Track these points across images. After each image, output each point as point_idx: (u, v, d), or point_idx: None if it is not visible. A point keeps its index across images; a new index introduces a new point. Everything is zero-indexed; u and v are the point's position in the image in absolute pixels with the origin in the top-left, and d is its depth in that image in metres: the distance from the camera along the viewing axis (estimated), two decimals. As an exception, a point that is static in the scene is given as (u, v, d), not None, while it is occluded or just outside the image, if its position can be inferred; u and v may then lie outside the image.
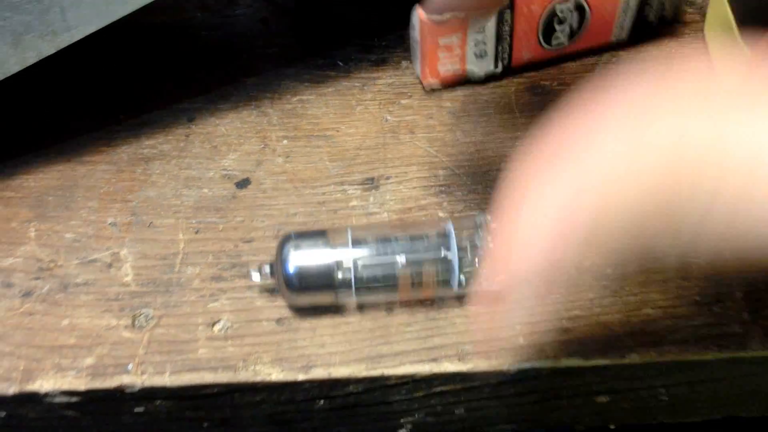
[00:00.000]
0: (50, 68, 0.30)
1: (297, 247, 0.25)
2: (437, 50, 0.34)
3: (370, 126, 0.35)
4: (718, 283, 0.28)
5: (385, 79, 0.37)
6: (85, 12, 0.28)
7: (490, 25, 0.34)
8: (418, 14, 0.33)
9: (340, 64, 0.38)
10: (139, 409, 0.25)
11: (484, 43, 0.35)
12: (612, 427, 0.30)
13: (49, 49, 0.28)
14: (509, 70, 0.37)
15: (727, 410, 0.29)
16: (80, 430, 0.26)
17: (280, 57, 0.39)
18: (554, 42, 0.37)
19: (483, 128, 0.35)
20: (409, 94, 0.37)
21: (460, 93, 0.36)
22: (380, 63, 0.38)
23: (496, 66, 0.36)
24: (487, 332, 0.26)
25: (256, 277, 0.26)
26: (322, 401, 0.26)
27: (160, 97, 0.36)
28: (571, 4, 0.35)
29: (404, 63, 0.38)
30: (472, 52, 0.35)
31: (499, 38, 0.35)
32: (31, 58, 0.28)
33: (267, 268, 0.26)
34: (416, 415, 0.27)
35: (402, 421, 0.27)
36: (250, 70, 0.38)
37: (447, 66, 0.35)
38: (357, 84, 0.37)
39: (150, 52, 0.39)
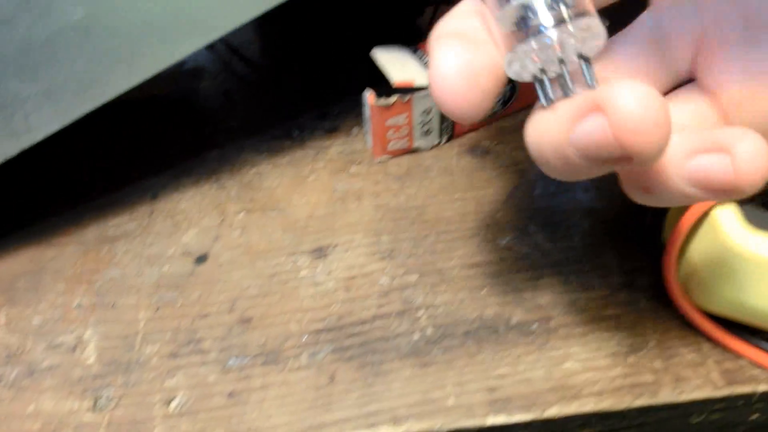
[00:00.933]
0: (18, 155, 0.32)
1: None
2: (386, 131, 0.37)
3: (321, 195, 0.37)
4: (634, 333, 0.30)
5: (337, 146, 0.40)
6: (47, 114, 0.31)
7: (435, 108, 0.37)
8: (368, 97, 0.36)
9: (296, 133, 0.41)
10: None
11: (430, 122, 0.38)
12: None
13: (12, 150, 0.31)
14: (451, 138, 0.39)
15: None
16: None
17: (240, 129, 0.41)
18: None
19: (425, 192, 0.37)
20: (358, 161, 0.39)
21: (405, 159, 0.39)
22: (333, 131, 0.41)
23: (440, 139, 0.39)
24: (421, 395, 0.28)
25: None
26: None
27: (127, 173, 0.39)
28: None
29: (355, 130, 0.41)
30: (418, 130, 0.38)
31: (443, 116, 0.38)
32: (-5, 160, 0.31)
33: None
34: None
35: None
36: (213, 144, 0.41)
37: (395, 143, 0.38)
38: (310, 153, 0.40)
39: (116, 127, 0.41)
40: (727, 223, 0.27)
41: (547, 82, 0.20)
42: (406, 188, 0.37)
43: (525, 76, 0.20)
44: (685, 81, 0.23)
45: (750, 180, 0.18)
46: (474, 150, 0.39)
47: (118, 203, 0.37)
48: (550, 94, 0.20)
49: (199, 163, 0.40)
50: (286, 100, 0.43)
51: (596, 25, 0.19)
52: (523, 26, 0.19)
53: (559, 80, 0.19)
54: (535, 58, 0.19)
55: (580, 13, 0.19)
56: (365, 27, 0.43)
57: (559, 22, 0.18)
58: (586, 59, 0.19)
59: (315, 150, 0.40)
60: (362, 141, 0.40)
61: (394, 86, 0.35)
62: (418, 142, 0.39)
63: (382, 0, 0.44)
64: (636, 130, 0.17)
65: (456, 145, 0.40)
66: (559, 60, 0.19)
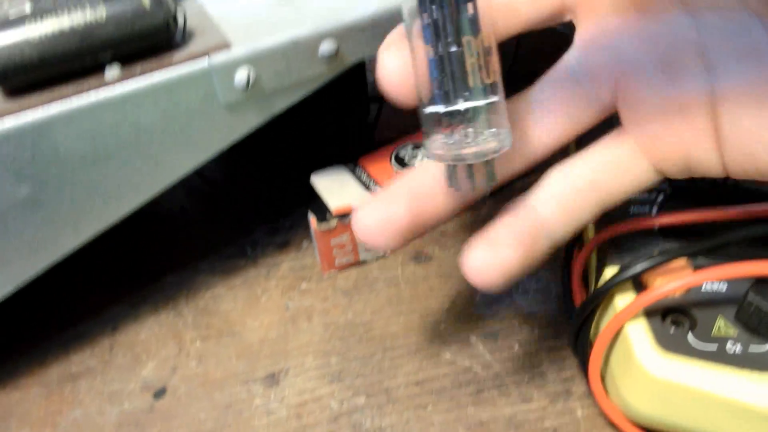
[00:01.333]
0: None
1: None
2: (331, 249, 0.39)
3: (273, 316, 0.39)
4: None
5: (288, 262, 0.42)
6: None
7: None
8: (310, 220, 0.38)
9: (249, 251, 0.43)
10: None
11: (369, 234, 0.40)
12: None
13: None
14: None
15: None
16: None
17: (195, 249, 0.43)
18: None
19: (372, 306, 0.39)
20: (308, 277, 0.41)
21: (353, 272, 0.41)
22: (284, 245, 0.43)
23: (384, 251, 0.41)
24: None
25: None
26: None
27: (87, 305, 0.40)
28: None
29: (305, 243, 0.43)
30: (362, 246, 0.40)
31: (380, 228, 0.40)
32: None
33: None
34: None
35: None
36: (169, 267, 0.42)
37: (341, 259, 0.40)
38: (263, 271, 0.42)
39: (74, 255, 0.43)
40: (637, 343, 0.28)
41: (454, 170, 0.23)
42: (354, 303, 0.39)
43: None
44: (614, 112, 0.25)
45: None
46: (418, 258, 0.41)
47: (80, 338, 0.39)
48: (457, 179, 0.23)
49: (157, 289, 0.41)
50: (240, 214, 0.45)
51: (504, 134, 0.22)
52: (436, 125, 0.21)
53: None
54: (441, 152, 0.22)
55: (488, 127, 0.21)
56: (314, 139, 0.46)
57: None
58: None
59: (267, 268, 0.42)
60: (312, 255, 0.42)
61: (332, 214, 0.37)
62: (363, 256, 0.40)
63: (330, 110, 0.46)
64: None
65: (401, 253, 0.42)
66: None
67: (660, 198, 0.35)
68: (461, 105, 0.20)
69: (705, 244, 0.29)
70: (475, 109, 0.21)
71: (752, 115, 0.21)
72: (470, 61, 0.20)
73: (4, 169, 0.28)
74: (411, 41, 0.22)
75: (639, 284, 0.30)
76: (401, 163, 0.41)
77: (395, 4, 0.32)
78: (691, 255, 0.30)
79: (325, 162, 0.41)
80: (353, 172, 0.40)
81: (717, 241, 0.29)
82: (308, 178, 0.41)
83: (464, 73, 0.20)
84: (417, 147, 0.42)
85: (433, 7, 0.20)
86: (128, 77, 0.29)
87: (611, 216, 0.34)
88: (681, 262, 0.30)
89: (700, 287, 0.30)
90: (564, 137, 0.25)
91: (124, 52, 0.28)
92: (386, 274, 0.40)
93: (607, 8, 0.23)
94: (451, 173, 0.23)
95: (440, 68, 0.21)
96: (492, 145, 0.21)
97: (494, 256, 0.25)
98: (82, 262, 0.43)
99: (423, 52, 0.21)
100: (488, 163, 0.22)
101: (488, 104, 0.21)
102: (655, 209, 0.34)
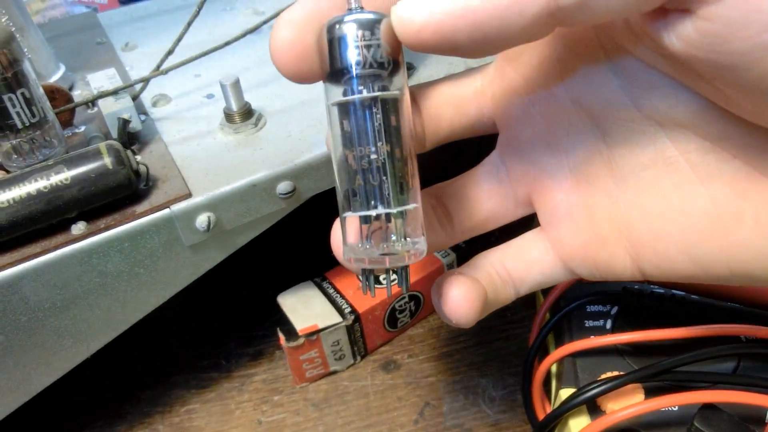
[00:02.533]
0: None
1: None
2: (301, 363, 0.40)
3: (246, 431, 0.40)
4: None
5: (261, 374, 0.43)
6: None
7: (343, 338, 0.40)
8: (280, 338, 0.39)
9: (223, 362, 0.44)
10: None
11: (341, 349, 0.41)
12: None
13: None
14: (366, 355, 0.42)
15: None
16: None
17: (171, 363, 0.44)
18: (399, 324, 0.43)
19: (342, 419, 0.40)
20: (280, 389, 0.42)
21: (324, 382, 0.42)
22: (258, 356, 0.44)
23: (354, 360, 0.42)
24: None
25: None
26: None
27: (67, 425, 0.41)
28: (406, 298, 0.41)
29: (278, 353, 0.44)
30: (331, 358, 0.41)
31: (353, 342, 0.41)
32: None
33: None
34: None
35: None
36: (144, 384, 0.43)
37: (312, 371, 0.41)
38: (236, 384, 0.43)
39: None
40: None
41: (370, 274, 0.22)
42: (325, 416, 0.40)
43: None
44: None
45: None
46: (387, 365, 0.42)
47: (57, 462, 0.40)
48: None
49: (132, 405, 0.42)
50: (213, 324, 0.46)
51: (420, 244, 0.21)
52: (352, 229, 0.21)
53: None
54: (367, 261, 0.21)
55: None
56: (280, 256, 0.47)
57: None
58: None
59: (241, 380, 0.43)
60: (284, 366, 0.43)
61: (299, 334, 0.39)
62: (333, 367, 0.42)
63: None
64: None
65: (371, 361, 0.43)
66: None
67: (614, 311, 0.36)
68: (376, 211, 0.20)
69: (655, 369, 0.31)
70: (390, 215, 0.20)
71: (662, 221, 0.22)
72: (391, 169, 0.20)
73: (-24, 321, 0.30)
74: (332, 139, 0.21)
75: (593, 405, 0.32)
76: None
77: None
78: (643, 380, 0.31)
79: (294, 275, 0.43)
80: (320, 286, 0.42)
81: (666, 365, 0.31)
82: (278, 290, 0.42)
83: (381, 180, 0.20)
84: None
85: (356, 114, 0.20)
86: (94, 231, 0.30)
87: (570, 331, 0.36)
88: (633, 384, 0.31)
89: (650, 410, 0.31)
90: (482, 227, 0.27)
91: (89, 208, 0.30)
92: (356, 384, 0.41)
93: (520, 117, 0.24)
94: (366, 278, 0.22)
95: (357, 173, 0.20)
96: (406, 253, 0.21)
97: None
98: (58, 381, 0.44)
99: (341, 151, 0.20)
100: (404, 269, 0.22)
101: (404, 211, 0.20)
102: (609, 323, 0.36)
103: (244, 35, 0.36)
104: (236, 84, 0.34)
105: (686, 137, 0.21)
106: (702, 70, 0.17)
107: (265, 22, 0.37)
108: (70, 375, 0.43)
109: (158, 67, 0.35)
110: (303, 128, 0.35)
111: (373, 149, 0.20)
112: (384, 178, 0.20)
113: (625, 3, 0.16)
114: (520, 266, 0.26)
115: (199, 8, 0.35)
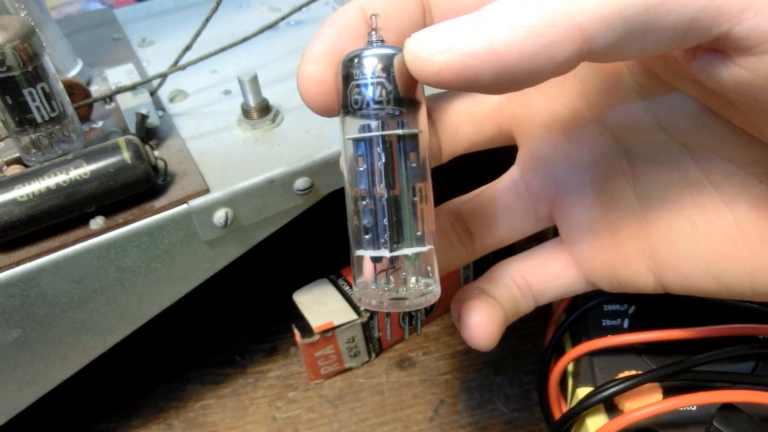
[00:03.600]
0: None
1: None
2: (316, 360, 0.40)
3: (261, 428, 0.40)
4: None
5: (276, 370, 0.43)
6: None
7: (359, 335, 0.40)
8: (294, 335, 0.39)
9: (238, 358, 0.44)
10: None
11: (356, 347, 0.41)
12: None
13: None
14: (380, 353, 0.42)
15: None
16: None
17: (186, 359, 0.44)
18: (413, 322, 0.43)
19: (357, 416, 0.40)
20: (295, 385, 0.42)
21: (339, 379, 0.42)
22: (272, 352, 0.44)
23: (370, 357, 0.42)
24: None
25: None
26: None
27: (79, 419, 0.41)
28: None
29: (293, 350, 0.44)
30: (346, 355, 0.41)
31: (368, 340, 0.41)
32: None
33: None
34: None
35: None
36: (159, 379, 0.43)
37: (327, 368, 0.41)
38: (251, 380, 0.43)
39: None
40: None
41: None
42: (340, 413, 0.40)
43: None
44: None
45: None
46: (402, 363, 0.42)
47: (73, 457, 0.40)
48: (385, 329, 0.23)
49: (147, 400, 0.42)
50: (227, 320, 0.46)
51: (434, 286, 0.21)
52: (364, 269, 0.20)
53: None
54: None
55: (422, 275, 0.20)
56: (297, 253, 0.47)
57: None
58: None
59: (255, 376, 0.43)
60: (299, 362, 0.43)
61: (314, 330, 0.39)
62: (348, 364, 0.41)
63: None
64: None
65: (386, 358, 0.43)
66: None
67: (631, 310, 0.36)
68: (389, 253, 0.19)
69: (673, 368, 0.30)
70: (405, 257, 0.19)
71: (686, 242, 0.22)
72: (405, 209, 0.19)
73: (-5, 315, 0.30)
74: (345, 173, 0.20)
75: (610, 404, 0.31)
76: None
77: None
78: (661, 379, 0.31)
79: (310, 272, 0.43)
80: (335, 283, 0.42)
81: (684, 365, 0.30)
82: (293, 287, 0.42)
83: (397, 220, 0.19)
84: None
85: (369, 151, 0.19)
86: (112, 226, 0.30)
87: (587, 329, 0.35)
88: (651, 383, 0.31)
89: (669, 409, 0.31)
90: (502, 243, 0.26)
91: (107, 203, 0.30)
92: (371, 381, 0.41)
93: (542, 135, 0.24)
94: (375, 321, 0.22)
95: (373, 213, 0.19)
96: (420, 297, 0.20)
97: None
98: (74, 376, 0.44)
99: (353, 186, 0.20)
100: (418, 312, 0.21)
101: (419, 253, 0.20)
102: (626, 322, 0.35)
103: (261, 31, 0.36)
104: (254, 80, 0.34)
105: (711, 160, 0.21)
106: (735, 102, 0.17)
107: (282, 19, 0.37)
108: (86, 369, 0.43)
109: (176, 62, 0.35)
110: (321, 124, 0.35)
111: (386, 188, 0.19)
112: (399, 218, 0.19)
113: (657, 45, 0.15)
114: (540, 279, 0.26)
115: (218, 4, 0.35)
